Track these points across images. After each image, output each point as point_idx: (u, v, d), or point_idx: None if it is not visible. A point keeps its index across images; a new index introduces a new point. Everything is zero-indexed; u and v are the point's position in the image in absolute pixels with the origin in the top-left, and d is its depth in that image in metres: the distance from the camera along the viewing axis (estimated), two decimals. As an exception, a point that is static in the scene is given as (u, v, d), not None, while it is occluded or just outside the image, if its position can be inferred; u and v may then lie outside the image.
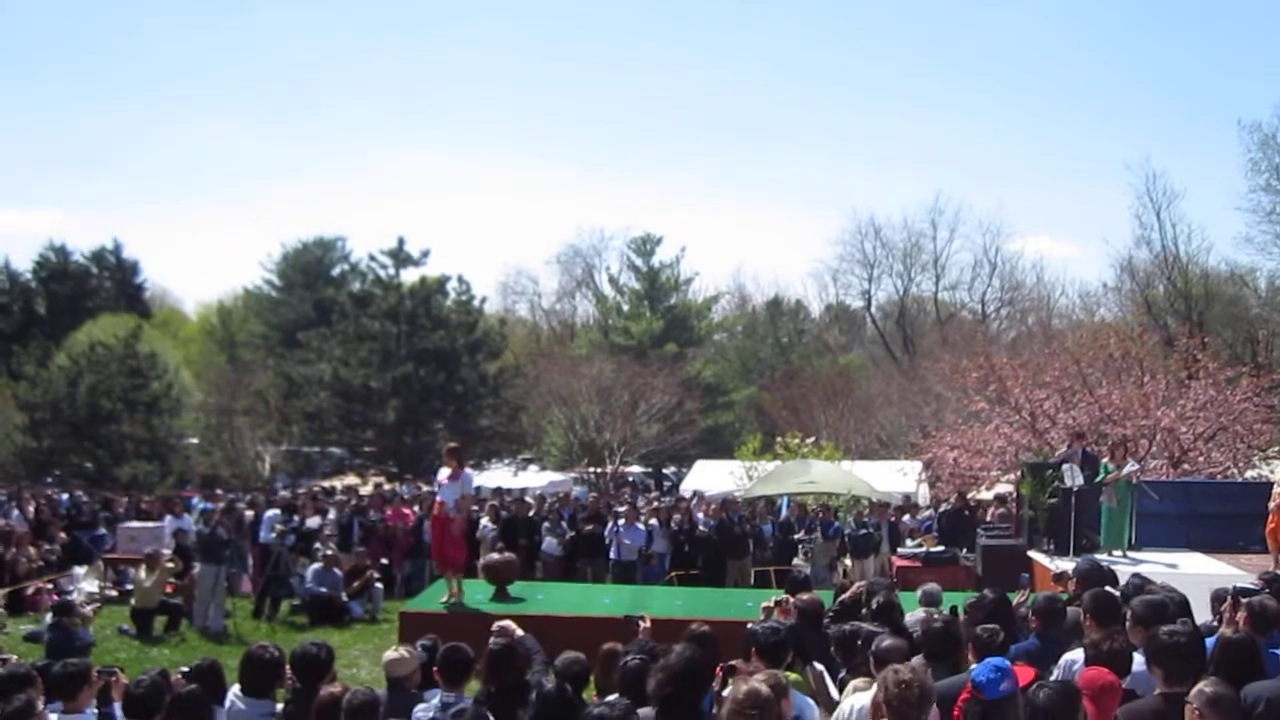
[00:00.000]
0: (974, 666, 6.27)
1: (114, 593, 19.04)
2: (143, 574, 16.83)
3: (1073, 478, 16.00)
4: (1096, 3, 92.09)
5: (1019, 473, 19.25)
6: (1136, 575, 9.48)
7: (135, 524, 21.34)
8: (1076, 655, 6.53)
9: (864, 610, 9.44)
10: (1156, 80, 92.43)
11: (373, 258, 45.31)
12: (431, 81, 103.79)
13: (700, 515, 21.54)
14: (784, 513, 22.97)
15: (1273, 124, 50.50)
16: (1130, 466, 16.48)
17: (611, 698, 6.63)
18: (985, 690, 5.41)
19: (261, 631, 16.31)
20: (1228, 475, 23.92)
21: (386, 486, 31.45)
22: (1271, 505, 15.02)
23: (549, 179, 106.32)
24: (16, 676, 7.40)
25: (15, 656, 9.77)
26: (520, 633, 7.92)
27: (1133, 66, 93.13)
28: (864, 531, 20.78)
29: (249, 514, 20.60)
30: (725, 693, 5.36)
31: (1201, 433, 24.63)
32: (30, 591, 18.46)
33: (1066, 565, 12.83)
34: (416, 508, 21.83)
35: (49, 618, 14.56)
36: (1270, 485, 16.31)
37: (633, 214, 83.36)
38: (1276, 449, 25.69)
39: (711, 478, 34.53)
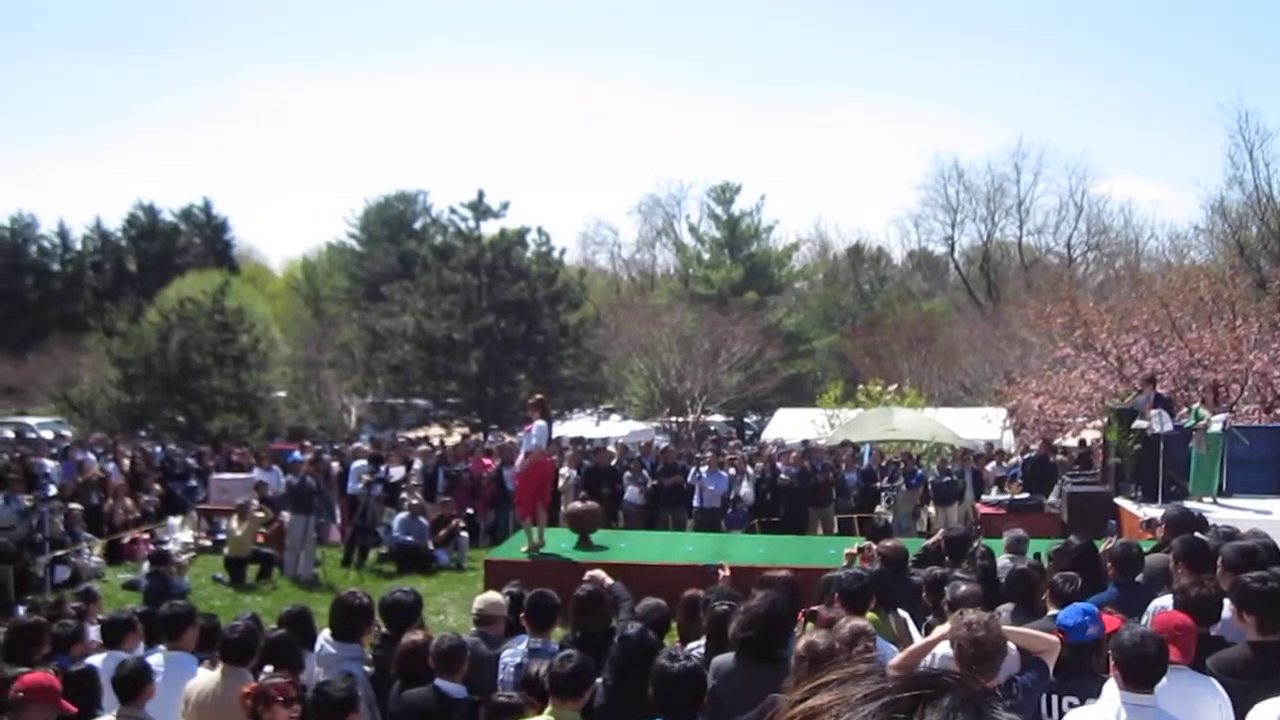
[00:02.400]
0: (1053, 611, 6.24)
1: (208, 542, 19.52)
2: (235, 524, 17.22)
3: (1161, 423, 15.74)
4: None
5: (1106, 419, 18.97)
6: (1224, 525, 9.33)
7: (227, 475, 21.78)
8: (1165, 601, 6.44)
9: (945, 557, 9.40)
10: (1247, 14, 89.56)
11: (453, 210, 45.39)
12: (508, 36, 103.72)
13: (780, 465, 21.51)
14: (866, 460, 22.86)
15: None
16: (1219, 418, 16.12)
17: (692, 645, 6.70)
18: (1072, 634, 5.39)
19: (350, 579, 16.63)
20: (1323, 420, 23.39)
21: (471, 437, 31.75)
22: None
23: (628, 128, 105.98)
24: (119, 622, 7.67)
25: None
26: (610, 581, 7.99)
27: (1221, 1, 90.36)
28: (947, 479, 20.66)
29: (335, 465, 20.98)
30: (805, 639, 5.40)
31: (1295, 377, 24.08)
32: (127, 541, 19.00)
33: (1155, 512, 12.66)
34: (499, 458, 22.00)
35: (146, 566, 15.06)
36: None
37: (712, 163, 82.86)
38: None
39: (793, 426, 34.42)
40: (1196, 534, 8.19)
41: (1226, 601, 6.05)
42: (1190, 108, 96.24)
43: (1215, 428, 15.93)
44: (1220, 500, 15.71)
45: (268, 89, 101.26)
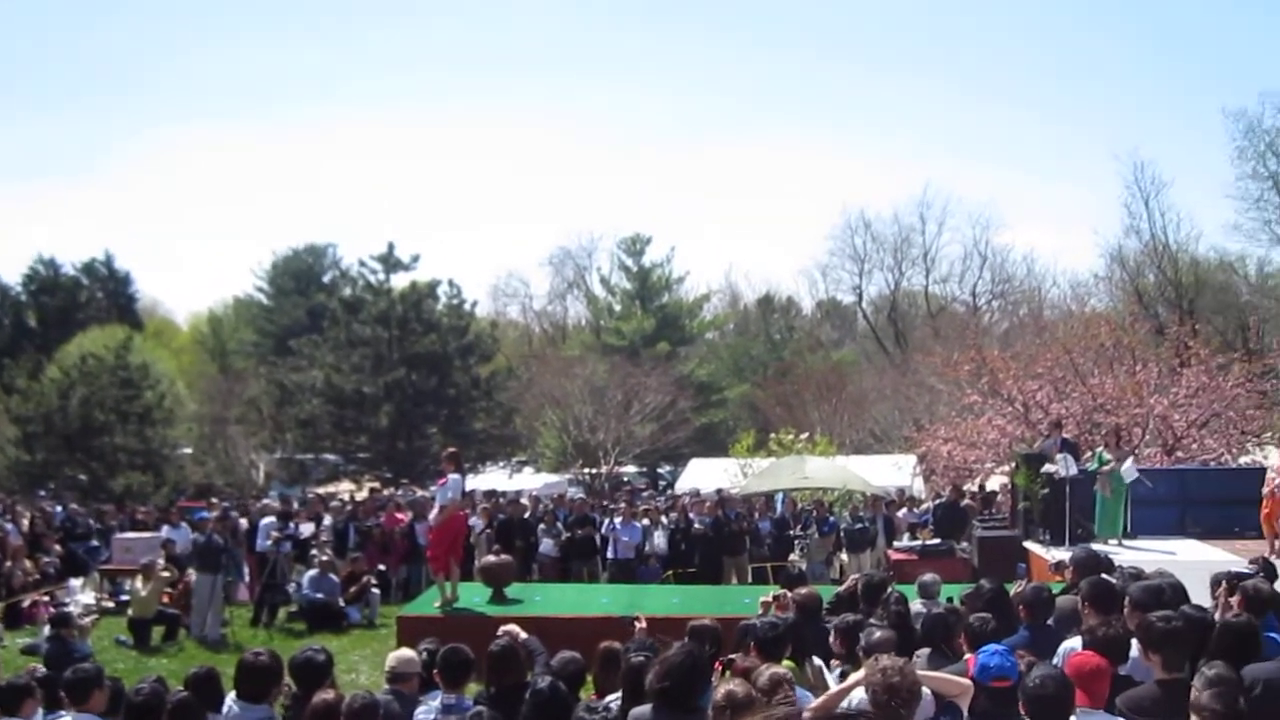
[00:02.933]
0: (969, 655, 6.29)
1: (110, 604, 18.99)
2: (139, 584, 16.80)
3: (1066, 467, 16.03)
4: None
5: (1013, 464, 19.27)
6: (1131, 566, 9.50)
7: (130, 535, 21.26)
8: (1075, 643, 6.52)
9: (859, 603, 9.44)
10: (1142, 69, 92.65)
11: (363, 263, 45.22)
12: (418, 87, 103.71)
13: (694, 514, 21.52)
14: (779, 509, 22.96)
15: (1257, 111, 50.84)
16: (1129, 468, 16.43)
17: (610, 697, 6.64)
18: (987, 676, 5.45)
19: (259, 639, 16.25)
20: (1221, 462, 24.01)
21: (382, 491, 31.40)
22: (1265, 490, 15.11)
23: (538, 181, 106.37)
24: (16, 688, 7.42)
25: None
26: (524, 635, 7.92)
27: (1119, 55, 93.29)
28: (860, 526, 20.78)
29: (244, 522, 20.60)
30: (723, 689, 5.38)
31: (1194, 420, 24.70)
32: (27, 604, 18.43)
33: (1063, 555, 12.85)
34: (409, 512, 21.79)
35: (46, 630, 14.55)
36: (1264, 470, 16.40)
37: (622, 215, 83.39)
38: (1270, 434, 25.75)
39: (706, 476, 34.49)
40: (1103, 575, 8.33)
41: (1134, 641, 6.15)
42: (1088, 159, 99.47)
43: (1129, 475, 16.24)
44: (1125, 542, 16.01)
45: (172, 141, 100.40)
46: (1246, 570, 8.77)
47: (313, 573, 18.08)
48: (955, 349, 31.18)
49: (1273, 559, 11.83)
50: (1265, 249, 53.32)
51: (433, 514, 14.66)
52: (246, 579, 19.70)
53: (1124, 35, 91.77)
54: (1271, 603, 7.22)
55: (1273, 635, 6.77)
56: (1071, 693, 5.02)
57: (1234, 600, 7.28)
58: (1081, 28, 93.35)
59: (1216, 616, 7.21)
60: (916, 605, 9.10)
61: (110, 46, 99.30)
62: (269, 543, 18.48)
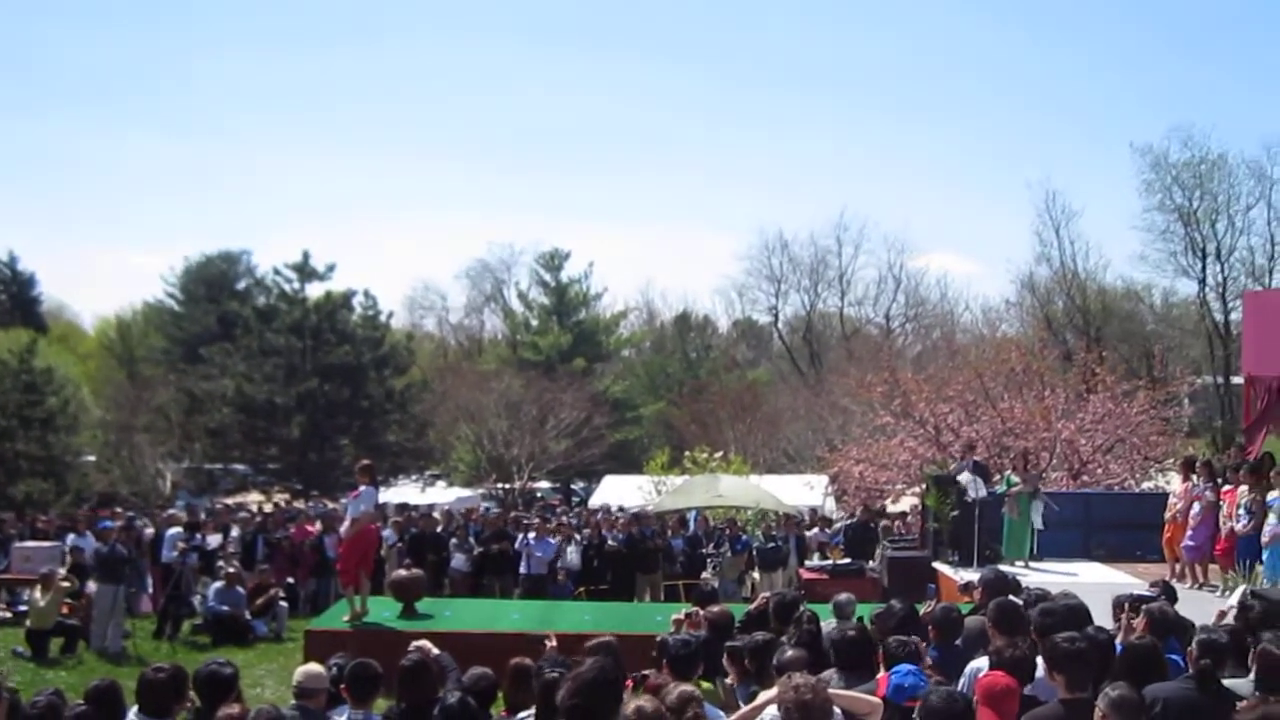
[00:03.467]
0: (880, 675, 6.35)
1: (8, 614, 18.53)
2: (38, 594, 16.39)
3: (975, 490, 16.26)
4: (995, 26, 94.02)
5: (923, 485, 19.50)
6: (1038, 588, 9.64)
7: (30, 544, 20.75)
8: (981, 663, 6.62)
9: (771, 622, 9.47)
10: (1055, 102, 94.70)
11: (277, 272, 44.61)
12: (338, 94, 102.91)
13: (607, 531, 21.51)
14: (692, 527, 23.01)
15: (1164, 146, 52.32)
16: (1039, 505, 16.72)
17: (521, 714, 6.60)
18: (897, 697, 5.50)
19: (162, 652, 15.93)
20: (1125, 486, 24.50)
21: (292, 503, 30.99)
22: (1168, 515, 15.44)
23: (458, 193, 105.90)
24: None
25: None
26: (436, 651, 7.85)
27: (1032, 87, 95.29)
28: (772, 545, 20.91)
29: (149, 532, 20.21)
30: (633, 705, 5.37)
31: (1100, 445, 25.21)
32: (-80, 614, 17.92)
33: (971, 576, 13.02)
34: (319, 524, 21.52)
35: (-61, 641, 14.17)
36: (1166, 496, 16.73)
37: (542, 229, 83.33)
38: (1171, 460, 26.36)
39: (620, 493, 34.54)
40: (1010, 597, 8.45)
41: (1040, 661, 6.25)
42: (1001, 186, 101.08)
43: (1037, 516, 16.53)
44: (1032, 564, 16.27)
45: (79, 139, 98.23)
46: (1148, 593, 8.94)
47: (218, 585, 17.77)
48: (869, 371, 31.57)
49: (1173, 582, 12.10)
50: (1170, 279, 55.02)
51: (344, 526, 14.48)
52: (150, 590, 19.32)
53: (1038, 67, 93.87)
54: (1174, 626, 7.39)
55: (1174, 657, 6.92)
56: (968, 711, 5.08)
57: (1138, 623, 7.44)
58: (997, 59, 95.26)
59: (1119, 639, 7.35)
60: (828, 625, 9.15)
61: (16, 49, 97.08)
62: (174, 554, 18.15)
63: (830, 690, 5.47)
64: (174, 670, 6.92)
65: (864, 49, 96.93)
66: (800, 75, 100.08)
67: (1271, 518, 13.48)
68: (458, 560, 20.74)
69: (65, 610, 16.65)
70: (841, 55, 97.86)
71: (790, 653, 7.02)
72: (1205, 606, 9.06)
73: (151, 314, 68.11)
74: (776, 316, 69.16)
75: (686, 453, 32.69)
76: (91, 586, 16.90)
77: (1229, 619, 8.22)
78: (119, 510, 24.93)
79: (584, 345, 61.00)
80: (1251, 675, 6.46)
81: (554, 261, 64.24)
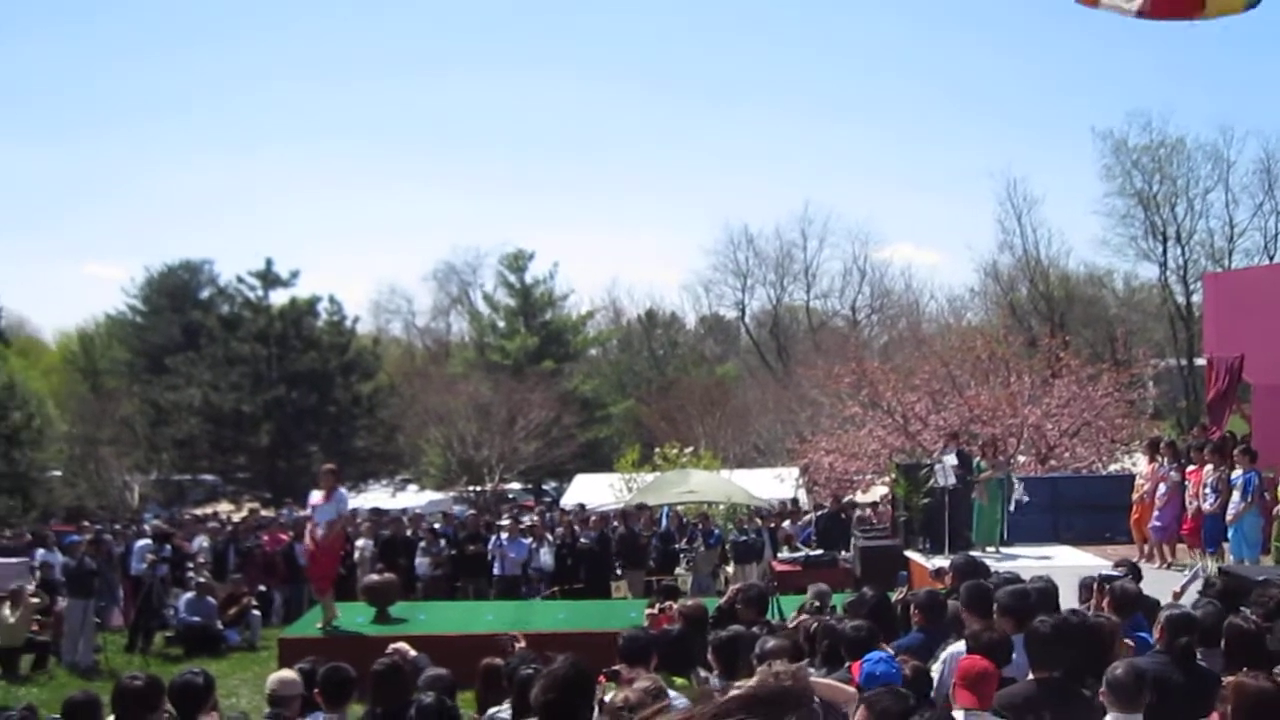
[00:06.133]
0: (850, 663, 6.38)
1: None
2: (6, 611, 16.23)
3: (945, 477, 16.34)
4: (957, 12, 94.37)
5: (892, 475, 19.60)
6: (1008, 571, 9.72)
7: (-3, 560, 20.58)
8: (959, 647, 6.66)
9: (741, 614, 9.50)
10: (1014, 89, 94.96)
11: (241, 279, 44.54)
12: (298, 97, 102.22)
13: (579, 530, 21.54)
14: (664, 523, 23.06)
15: (1124, 131, 52.75)
16: (1017, 493, 16.87)
17: (492, 710, 6.61)
18: (870, 684, 5.51)
19: (134, 665, 15.79)
20: (1092, 469, 24.69)
21: (262, 512, 30.87)
22: (1135, 497, 15.58)
23: (421, 196, 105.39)
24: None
25: None
26: (413, 653, 7.83)
27: (992, 76, 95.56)
28: (745, 539, 20.95)
29: (118, 550, 20.07)
30: (605, 699, 5.39)
31: (1066, 429, 25.39)
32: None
33: (943, 562, 13.09)
34: (291, 532, 21.44)
35: (-93, 661, 14.03)
36: (1133, 477, 16.89)
37: (507, 230, 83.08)
38: (1137, 442, 26.59)
39: (591, 491, 34.52)
40: (981, 580, 8.51)
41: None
42: (964, 176, 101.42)
43: (1016, 494, 16.69)
44: (1002, 549, 16.37)
45: (36, 150, 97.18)
46: (1114, 573, 9.02)
47: (189, 595, 17.68)
48: (836, 362, 31.64)
49: (1141, 563, 12.22)
50: (1131, 263, 55.51)
51: (319, 531, 14.26)
52: (121, 604, 19.19)
53: (997, 55, 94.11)
54: (1138, 603, 7.47)
55: (1143, 635, 6.98)
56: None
57: (1104, 601, 7.52)
58: (957, 48, 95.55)
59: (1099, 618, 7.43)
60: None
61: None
62: (144, 566, 18.04)
63: (810, 679, 5.48)
64: (150, 679, 6.88)
65: (824, 42, 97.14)
66: (761, 71, 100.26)
67: (1235, 496, 13.66)
68: (421, 564, 20.77)
69: (35, 627, 16.51)
70: (803, 49, 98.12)
71: (772, 642, 7.03)
72: (1174, 586, 9.15)
73: (114, 326, 67.52)
74: (743, 311, 69.33)
75: (657, 449, 32.72)
76: (61, 602, 16.78)
77: (1187, 597, 8.33)
78: (86, 524, 24.73)
79: (551, 346, 60.93)
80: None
81: (519, 263, 64.06)
